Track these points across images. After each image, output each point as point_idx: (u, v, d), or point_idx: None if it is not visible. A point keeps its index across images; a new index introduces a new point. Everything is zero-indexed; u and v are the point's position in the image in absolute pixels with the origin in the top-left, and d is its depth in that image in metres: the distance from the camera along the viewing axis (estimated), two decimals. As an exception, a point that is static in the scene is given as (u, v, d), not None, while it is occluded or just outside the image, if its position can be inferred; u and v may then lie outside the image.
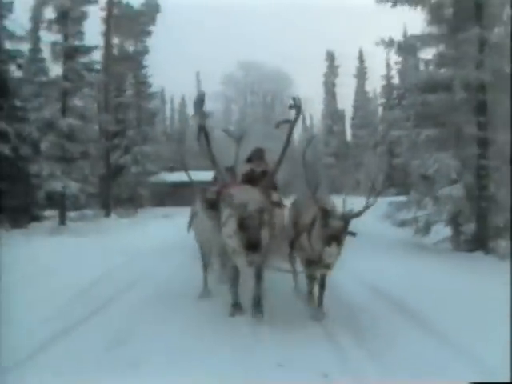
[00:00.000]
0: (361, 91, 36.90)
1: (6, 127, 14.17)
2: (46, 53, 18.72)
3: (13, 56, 15.84)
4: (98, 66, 17.11)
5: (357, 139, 36.03)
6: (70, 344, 3.98)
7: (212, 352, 3.69)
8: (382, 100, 32.02)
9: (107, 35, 18.70)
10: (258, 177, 5.33)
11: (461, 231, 8.70)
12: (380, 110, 33.91)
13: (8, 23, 15.00)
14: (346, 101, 38.08)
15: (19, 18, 15.78)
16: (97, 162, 18.11)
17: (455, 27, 8.37)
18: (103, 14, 19.20)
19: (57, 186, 14.58)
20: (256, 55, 47.59)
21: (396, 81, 30.02)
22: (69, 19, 14.60)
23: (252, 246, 3.95)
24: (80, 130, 15.25)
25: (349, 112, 37.76)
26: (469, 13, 8.23)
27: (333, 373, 3.35)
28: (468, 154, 8.28)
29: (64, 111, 14.98)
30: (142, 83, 22.98)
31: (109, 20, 18.68)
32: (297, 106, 4.64)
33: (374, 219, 9.24)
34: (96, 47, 15.94)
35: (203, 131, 4.59)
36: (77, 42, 15.10)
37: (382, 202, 6.71)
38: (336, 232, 3.97)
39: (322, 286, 4.63)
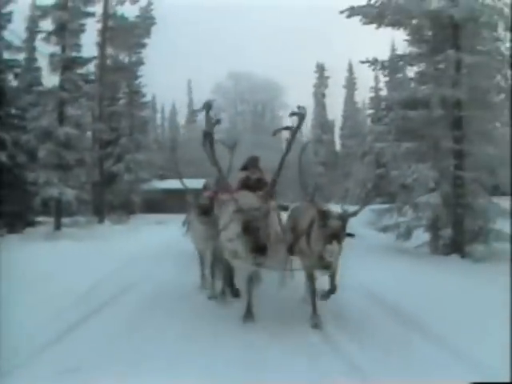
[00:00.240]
0: (350, 102, 37.64)
1: (3, 135, 14.57)
2: (40, 62, 19.18)
3: (10, 66, 16.33)
4: (93, 77, 17.65)
5: (346, 149, 36.58)
6: (72, 343, 4.15)
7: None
8: (371, 111, 32.73)
9: (102, 46, 19.20)
10: (254, 184, 5.51)
11: (439, 236, 9.27)
12: (368, 120, 34.60)
13: (6, 33, 15.58)
14: (335, 111, 38.83)
15: (16, 28, 16.29)
16: (91, 170, 18.51)
17: (434, 48, 9.02)
18: (99, 25, 19.70)
19: (53, 192, 14.90)
20: (246, 66, 48.18)
21: (384, 92, 30.75)
22: (67, 31, 15.09)
23: (259, 248, 4.06)
24: (76, 139, 15.70)
25: (338, 122, 38.49)
26: (446, 35, 8.88)
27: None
28: (445, 165, 8.85)
29: (61, 120, 15.41)
30: (135, 93, 23.32)
31: (104, 32, 19.19)
32: (301, 114, 4.80)
33: (358, 225, 9.76)
34: (93, 58, 16.45)
35: (209, 138, 4.64)
36: (74, 54, 15.58)
37: (366, 209, 7.25)
38: (335, 231, 4.08)
39: (333, 291, 4.76)
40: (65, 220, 16.80)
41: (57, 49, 15.43)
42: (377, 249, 9.58)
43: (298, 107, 4.82)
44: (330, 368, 3.63)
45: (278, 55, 50.21)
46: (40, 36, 15.93)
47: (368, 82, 35.16)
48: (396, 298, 5.41)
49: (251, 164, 6.12)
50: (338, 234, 4.07)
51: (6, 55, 16.01)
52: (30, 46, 19.13)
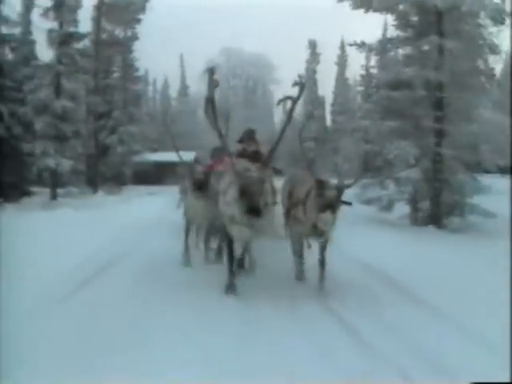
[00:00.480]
0: (341, 78, 37.75)
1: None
2: (36, 36, 19.32)
3: (7, 40, 16.51)
4: (89, 52, 17.90)
5: (336, 124, 36.84)
6: (86, 298, 4.51)
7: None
8: (361, 88, 33.08)
9: (98, 22, 19.39)
10: (250, 156, 5.48)
11: (418, 209, 9.95)
12: (359, 97, 34.95)
13: (2, 7, 15.70)
14: (326, 87, 39.04)
15: (12, 2, 16.39)
16: (86, 142, 18.90)
17: (419, 32, 9.53)
18: (95, 1, 19.86)
19: (50, 163, 15.39)
20: (239, 41, 47.92)
21: (375, 70, 30.96)
22: (64, 7, 15.36)
23: (254, 209, 4.10)
24: (72, 111, 16.12)
25: (329, 98, 38.74)
26: (431, 21, 9.39)
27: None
28: (425, 143, 9.43)
29: (58, 93, 15.77)
30: (129, 66, 23.55)
31: (100, 7, 19.37)
32: (301, 84, 4.73)
33: (343, 197, 10.38)
34: (90, 34, 16.68)
35: (211, 103, 4.60)
36: (71, 29, 15.88)
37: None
38: (331, 201, 4.16)
39: (322, 262, 4.79)
40: (59, 190, 17.18)
41: (54, 24, 15.75)
42: (361, 220, 10.08)
43: (299, 76, 4.80)
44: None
45: (270, 32, 49.88)
46: (37, 11, 16.21)
47: (359, 60, 35.33)
48: (379, 263, 5.90)
49: (248, 137, 6.13)
50: (333, 204, 4.17)
51: (3, 29, 16.19)
52: (25, 19, 19.25)
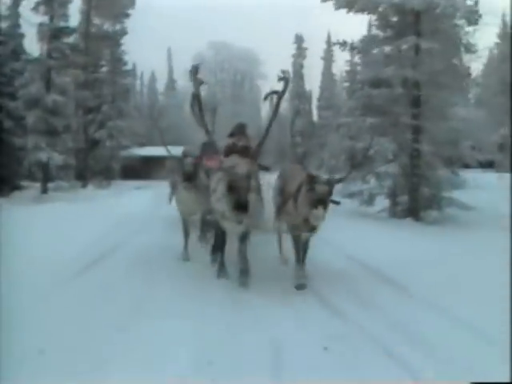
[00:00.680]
0: (327, 73, 37.99)
1: (-12, 101, 15.10)
2: (24, 28, 19.40)
3: (-4, 34, 16.68)
4: (79, 46, 18.10)
5: (322, 120, 37.27)
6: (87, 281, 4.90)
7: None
8: (346, 84, 33.48)
9: (87, 15, 19.59)
10: (240, 150, 5.45)
11: (397, 202, 10.43)
12: (344, 93, 35.33)
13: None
14: (313, 82, 39.37)
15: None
16: (76, 136, 19.13)
17: (398, 32, 10.00)
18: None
19: (42, 157, 15.60)
20: (226, 36, 48.00)
21: (359, 67, 31.38)
22: (55, 1, 15.52)
23: (240, 205, 4.19)
24: (63, 106, 16.34)
25: (316, 93, 39.11)
26: (409, 21, 9.86)
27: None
28: (403, 139, 9.95)
29: (48, 88, 16.00)
30: (117, 60, 23.61)
31: (90, 1, 19.53)
32: (285, 79, 4.83)
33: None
34: (79, 28, 16.88)
35: (197, 99, 4.67)
36: (62, 23, 16.06)
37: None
38: (322, 196, 4.18)
39: (305, 250, 4.90)
40: (49, 185, 17.35)
41: (45, 19, 15.90)
42: (343, 213, 10.47)
43: (283, 71, 4.89)
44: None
45: (257, 26, 50.06)
46: (27, 5, 16.37)
47: (345, 55, 35.58)
48: (360, 252, 6.25)
49: (238, 131, 6.12)
50: (324, 199, 4.19)
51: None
52: (14, 12, 19.33)
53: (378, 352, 3.30)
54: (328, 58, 37.90)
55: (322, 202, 4.16)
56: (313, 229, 4.44)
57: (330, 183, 4.34)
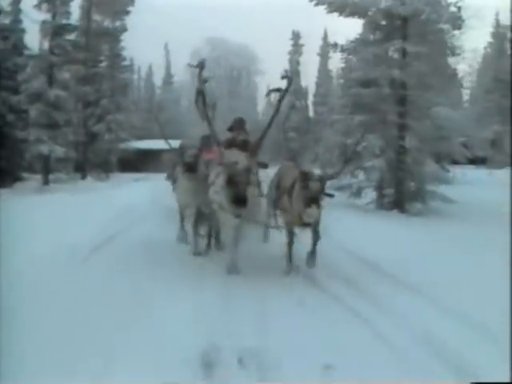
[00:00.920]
0: (323, 70, 38.32)
1: (-9, 95, 15.52)
2: (25, 23, 19.77)
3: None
4: (80, 43, 18.54)
5: (318, 115, 37.66)
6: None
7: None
8: (342, 81, 33.86)
9: (88, 12, 20.03)
10: (239, 145, 5.53)
11: (383, 195, 11.02)
12: (339, 89, 35.70)
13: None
14: (310, 78, 39.76)
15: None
16: (76, 129, 19.57)
17: (386, 36, 10.60)
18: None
19: (44, 149, 16.07)
20: (224, 32, 48.35)
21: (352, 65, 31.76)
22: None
23: (239, 199, 4.24)
24: (65, 100, 16.81)
25: (312, 89, 39.46)
26: (396, 26, 10.45)
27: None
28: (390, 136, 10.55)
29: (50, 83, 16.47)
30: (116, 56, 24.10)
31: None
32: (289, 77, 5.02)
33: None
34: (81, 25, 17.33)
35: (202, 95, 4.77)
36: (64, 21, 16.53)
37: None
38: (314, 193, 4.25)
39: (315, 240, 4.97)
40: (49, 176, 17.73)
41: (47, 15, 16.36)
42: (332, 205, 11.09)
43: (285, 70, 5.13)
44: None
45: (254, 23, 50.45)
46: (29, 1, 16.73)
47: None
48: (349, 241, 6.57)
49: (237, 126, 6.22)
50: (316, 197, 4.26)
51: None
52: (15, 8, 19.71)
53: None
54: (324, 55, 38.20)
55: (315, 199, 4.25)
56: (308, 225, 4.58)
57: (323, 179, 4.46)
